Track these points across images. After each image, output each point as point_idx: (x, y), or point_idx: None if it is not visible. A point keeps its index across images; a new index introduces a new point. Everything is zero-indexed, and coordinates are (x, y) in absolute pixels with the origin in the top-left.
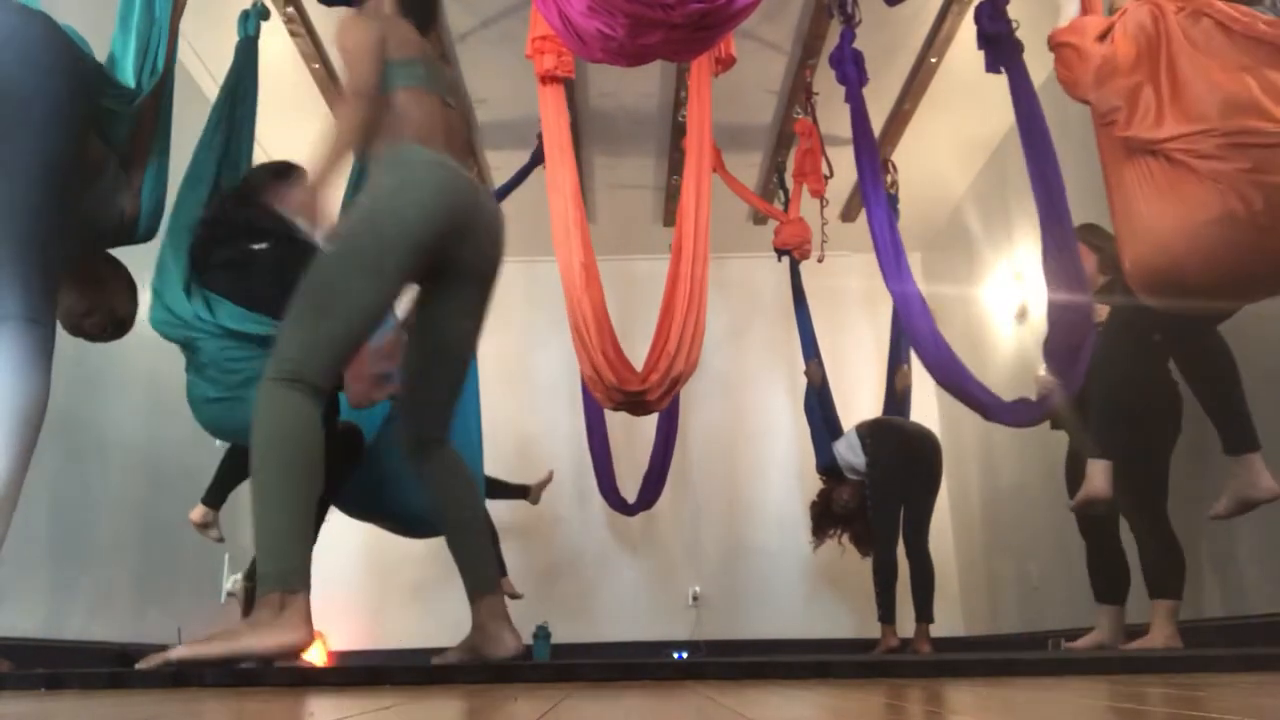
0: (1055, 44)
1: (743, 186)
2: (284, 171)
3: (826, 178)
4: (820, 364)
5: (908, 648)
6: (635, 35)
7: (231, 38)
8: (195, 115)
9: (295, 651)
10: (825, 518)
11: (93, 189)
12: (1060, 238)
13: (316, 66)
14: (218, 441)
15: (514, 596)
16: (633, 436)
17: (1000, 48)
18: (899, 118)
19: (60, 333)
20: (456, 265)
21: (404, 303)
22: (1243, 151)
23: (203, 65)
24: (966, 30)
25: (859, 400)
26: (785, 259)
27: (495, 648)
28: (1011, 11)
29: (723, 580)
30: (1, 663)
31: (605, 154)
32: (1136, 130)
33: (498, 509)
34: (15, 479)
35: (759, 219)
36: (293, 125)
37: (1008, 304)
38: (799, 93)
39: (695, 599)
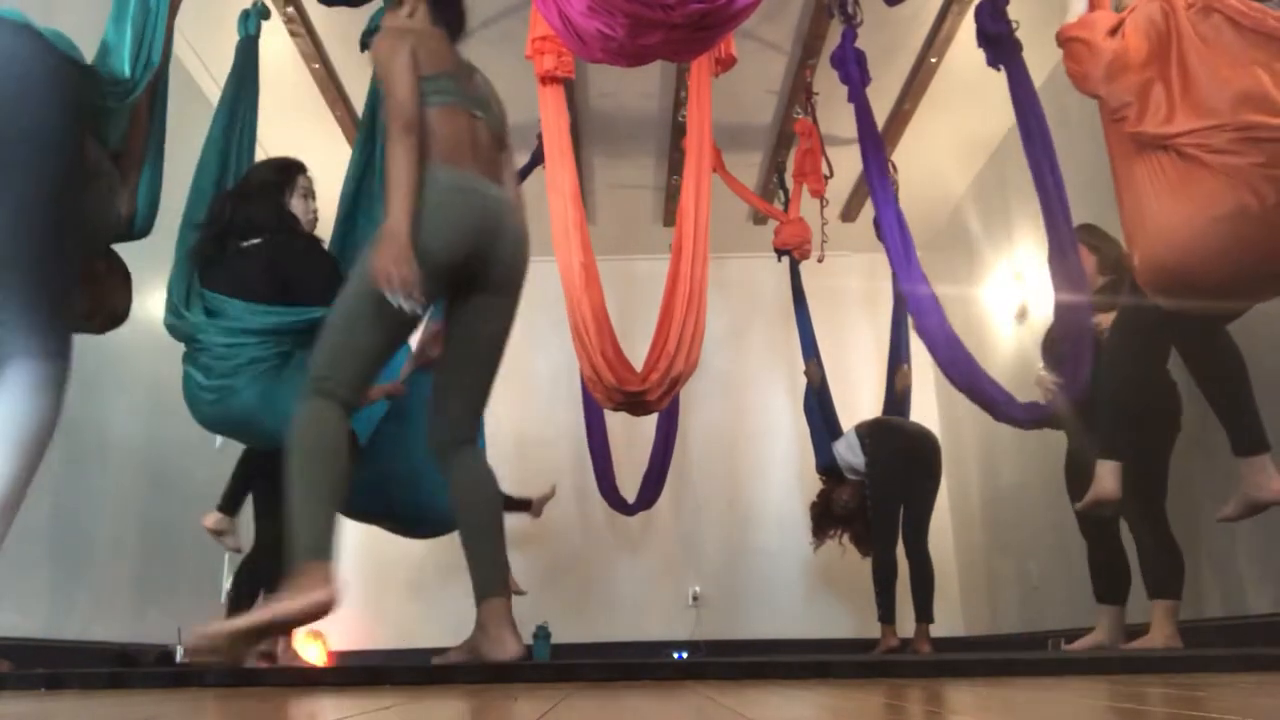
0: (1064, 39)
1: (743, 186)
2: (285, 168)
3: (826, 178)
4: (820, 364)
5: (908, 648)
6: (635, 35)
7: (232, 38)
8: (195, 115)
9: (323, 608)
10: (825, 518)
11: (89, 191)
12: (1060, 237)
13: (316, 66)
14: (218, 441)
15: (517, 593)
16: (632, 436)
17: (1000, 47)
18: (899, 118)
19: None
20: (482, 277)
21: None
22: (1257, 146)
23: (203, 65)
24: (966, 30)
25: (859, 400)
26: (785, 259)
27: (496, 650)
28: (1011, 12)
29: (723, 580)
30: (1, 663)
31: (605, 154)
32: (1148, 126)
33: None
34: (16, 498)
35: (759, 219)
36: (293, 125)
37: (1008, 304)
38: (799, 93)
39: (695, 599)
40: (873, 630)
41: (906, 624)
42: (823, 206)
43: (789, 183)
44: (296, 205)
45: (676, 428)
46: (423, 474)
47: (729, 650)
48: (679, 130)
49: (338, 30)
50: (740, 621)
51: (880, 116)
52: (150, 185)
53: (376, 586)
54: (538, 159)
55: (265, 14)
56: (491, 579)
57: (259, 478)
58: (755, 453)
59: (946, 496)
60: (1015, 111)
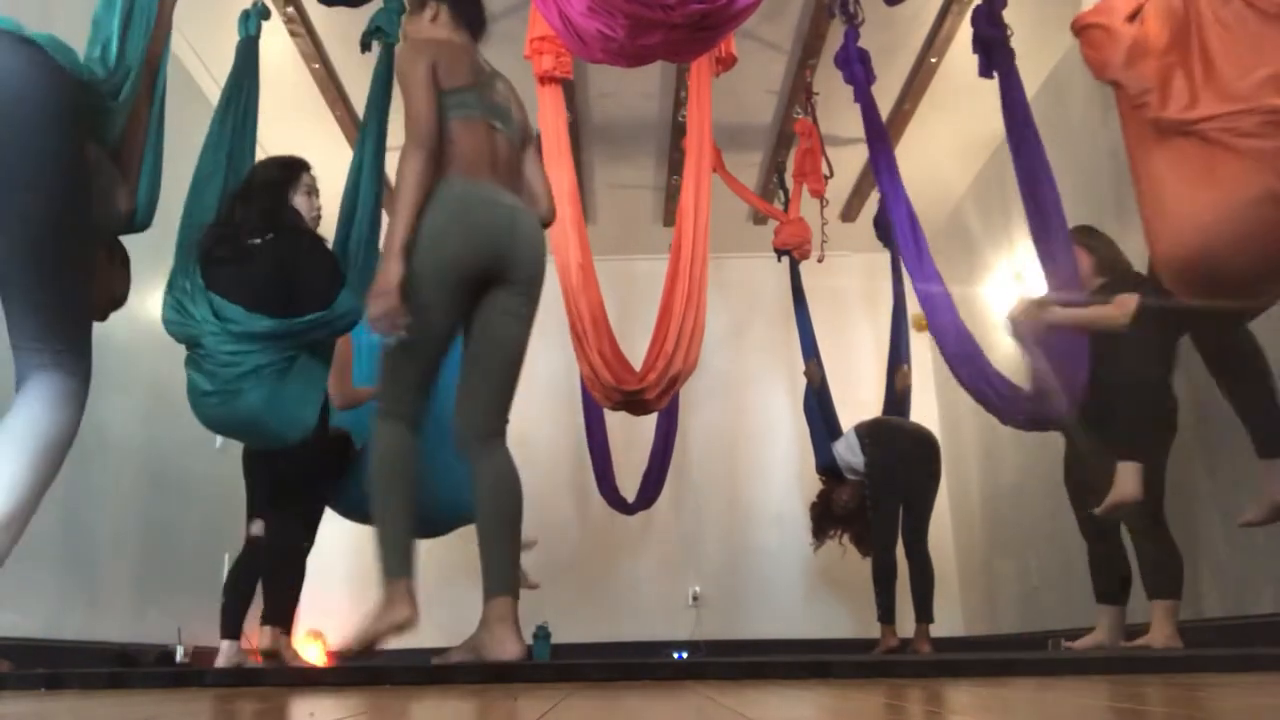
0: (1081, 25)
1: (743, 186)
2: (288, 166)
3: (826, 178)
4: (820, 364)
5: (908, 648)
6: (635, 36)
7: (232, 38)
8: (195, 115)
9: (400, 626)
10: (825, 518)
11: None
12: (1052, 243)
13: (316, 66)
14: (218, 441)
15: (531, 587)
16: (632, 436)
17: (994, 53)
18: (899, 118)
19: None
20: (501, 280)
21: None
22: None
23: (203, 65)
24: (966, 30)
25: (859, 400)
26: (785, 259)
27: (497, 650)
28: (1006, 17)
29: (723, 580)
30: (1, 663)
31: (605, 154)
32: (1170, 111)
33: None
34: (28, 508)
35: (759, 219)
36: (293, 125)
37: (1008, 304)
38: (799, 93)
39: (695, 599)
40: (873, 630)
41: (906, 624)
42: (823, 206)
43: (789, 183)
44: (300, 203)
45: (676, 427)
46: (422, 475)
47: (729, 650)
48: (679, 130)
49: (338, 30)
50: (740, 621)
51: (880, 117)
52: (150, 180)
53: (376, 587)
54: None
55: (265, 14)
56: (498, 578)
57: (254, 477)
58: (755, 453)
59: (946, 496)
60: (1005, 121)
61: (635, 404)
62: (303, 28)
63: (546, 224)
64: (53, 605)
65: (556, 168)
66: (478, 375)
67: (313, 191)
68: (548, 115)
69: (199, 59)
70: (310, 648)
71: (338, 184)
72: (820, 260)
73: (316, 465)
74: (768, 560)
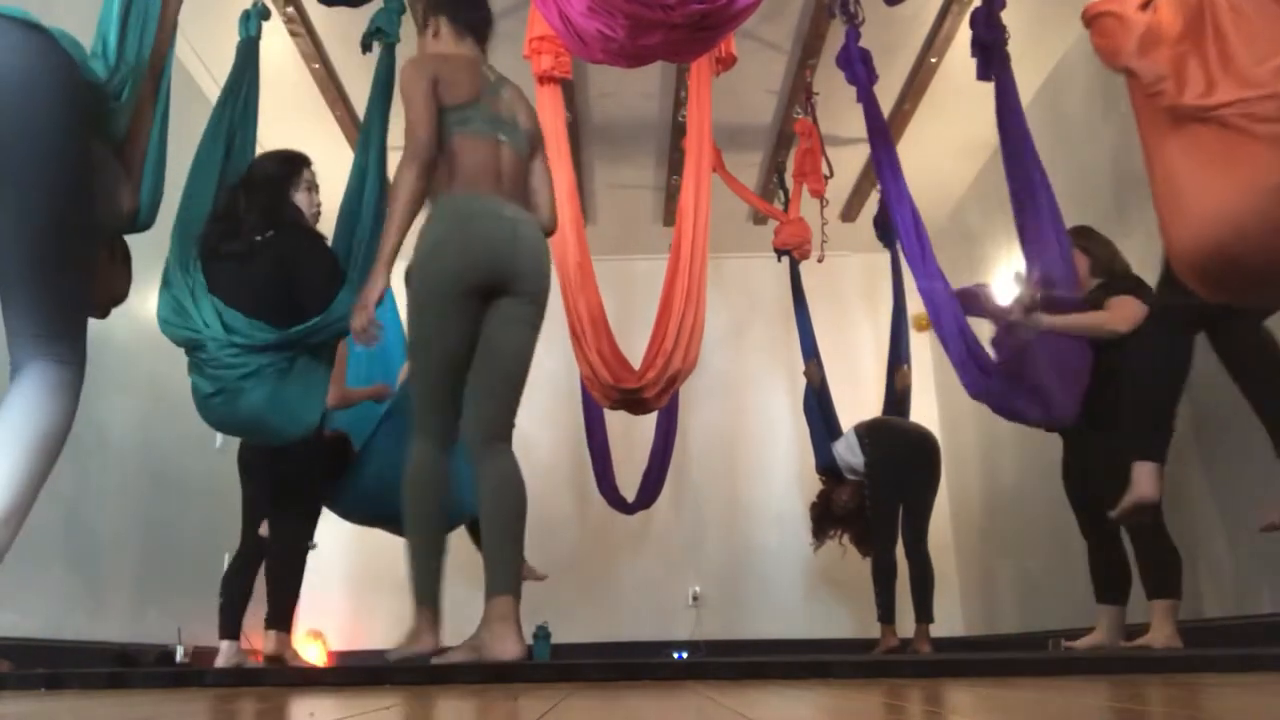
0: (1092, 14)
1: (743, 186)
2: (289, 161)
3: (826, 178)
4: (819, 364)
5: (908, 648)
6: (635, 36)
7: (232, 38)
8: (195, 115)
9: (421, 654)
10: (825, 519)
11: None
12: (1048, 246)
13: (316, 66)
14: (218, 441)
15: (537, 579)
16: (632, 436)
17: (991, 57)
18: (899, 118)
19: None
20: (504, 290)
21: None
22: None
23: (203, 65)
24: (966, 30)
25: (859, 400)
26: (785, 259)
27: (497, 649)
28: (1005, 17)
29: (723, 580)
30: (1, 663)
31: (605, 154)
32: (1188, 98)
33: None
34: (27, 497)
35: (759, 219)
36: (293, 125)
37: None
38: (799, 93)
39: (695, 599)
40: (873, 630)
41: (906, 624)
42: (823, 206)
43: (789, 183)
44: (301, 198)
45: (676, 427)
46: None
47: (729, 650)
48: (679, 130)
49: (338, 30)
50: (740, 621)
51: None
52: (153, 179)
53: (377, 587)
54: None
55: (266, 14)
56: (503, 577)
57: (254, 480)
58: (755, 453)
59: (946, 496)
60: (999, 126)
61: (634, 403)
62: (303, 28)
63: (548, 233)
64: (53, 605)
65: (555, 168)
66: (483, 381)
67: (313, 187)
68: (547, 115)
69: (199, 59)
70: (310, 648)
71: (338, 184)
72: (820, 260)
73: (316, 465)
74: (768, 560)
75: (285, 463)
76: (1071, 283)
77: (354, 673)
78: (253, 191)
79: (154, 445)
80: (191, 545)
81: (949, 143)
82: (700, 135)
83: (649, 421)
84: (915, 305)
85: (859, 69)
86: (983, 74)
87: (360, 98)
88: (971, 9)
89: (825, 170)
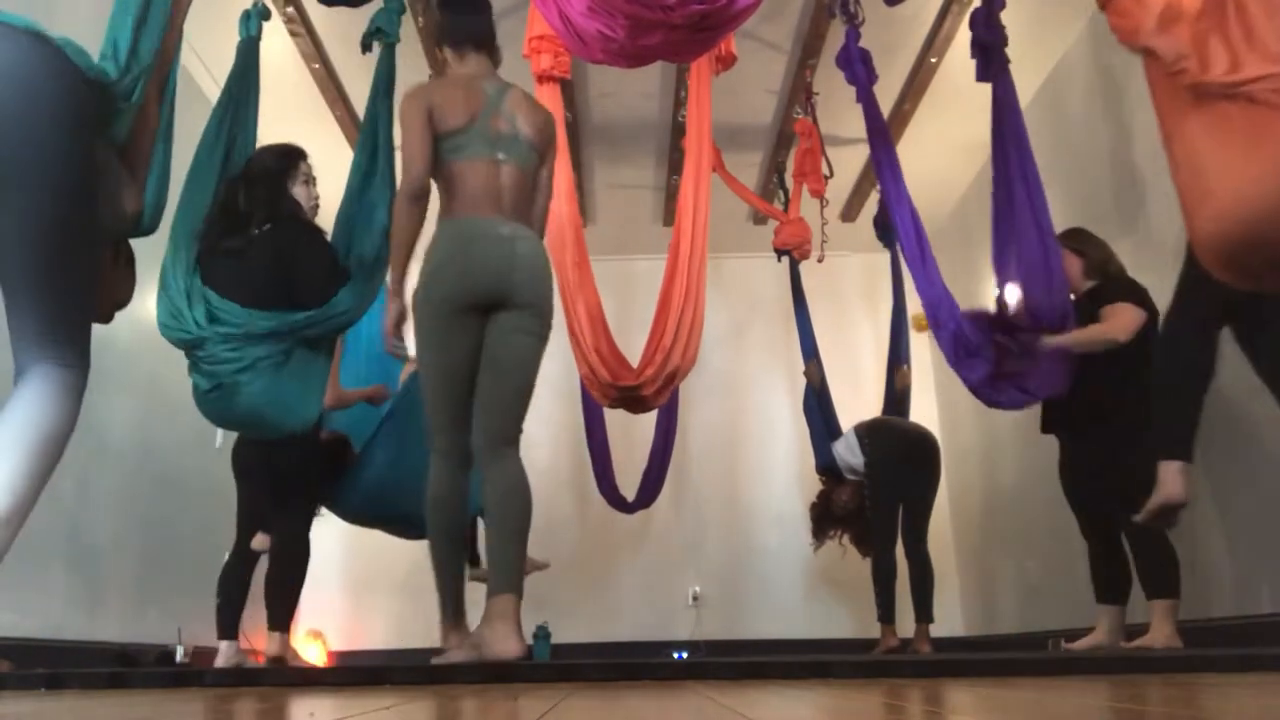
0: None
1: (743, 186)
2: (286, 155)
3: (826, 178)
4: (819, 364)
5: (908, 648)
6: (635, 36)
7: (232, 38)
8: (196, 115)
9: (458, 660)
10: (825, 519)
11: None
12: (1038, 251)
13: (316, 66)
14: (218, 441)
15: (540, 568)
16: (632, 435)
17: (990, 58)
18: (899, 118)
19: None
20: (504, 304)
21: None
22: None
23: (203, 65)
24: (966, 31)
25: (859, 400)
26: (785, 259)
27: (497, 646)
28: (1005, 17)
29: (723, 580)
30: (1, 663)
31: (605, 154)
32: (1213, 75)
33: None
34: (28, 499)
35: (759, 219)
36: (293, 125)
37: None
38: (799, 93)
39: (695, 599)
40: (873, 630)
41: (906, 624)
42: (823, 206)
43: (789, 183)
44: (299, 192)
45: (676, 426)
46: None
47: (729, 650)
48: (679, 130)
49: (338, 30)
50: (740, 621)
51: None
52: (158, 181)
53: (376, 587)
54: None
55: (266, 14)
56: (506, 576)
57: (252, 483)
58: (755, 452)
59: (946, 496)
60: (993, 127)
61: (633, 400)
62: (303, 28)
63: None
64: (53, 605)
65: (555, 167)
66: (487, 390)
67: (310, 180)
68: None
69: (199, 59)
70: (310, 648)
71: (338, 183)
72: (820, 260)
73: (313, 465)
74: (768, 560)
75: (282, 462)
76: (1059, 291)
77: (354, 673)
78: (251, 186)
79: (154, 446)
80: (191, 545)
81: (949, 143)
82: (700, 135)
83: (649, 421)
84: (915, 305)
85: (859, 69)
86: (983, 75)
87: (360, 98)
88: (971, 9)
89: (825, 170)
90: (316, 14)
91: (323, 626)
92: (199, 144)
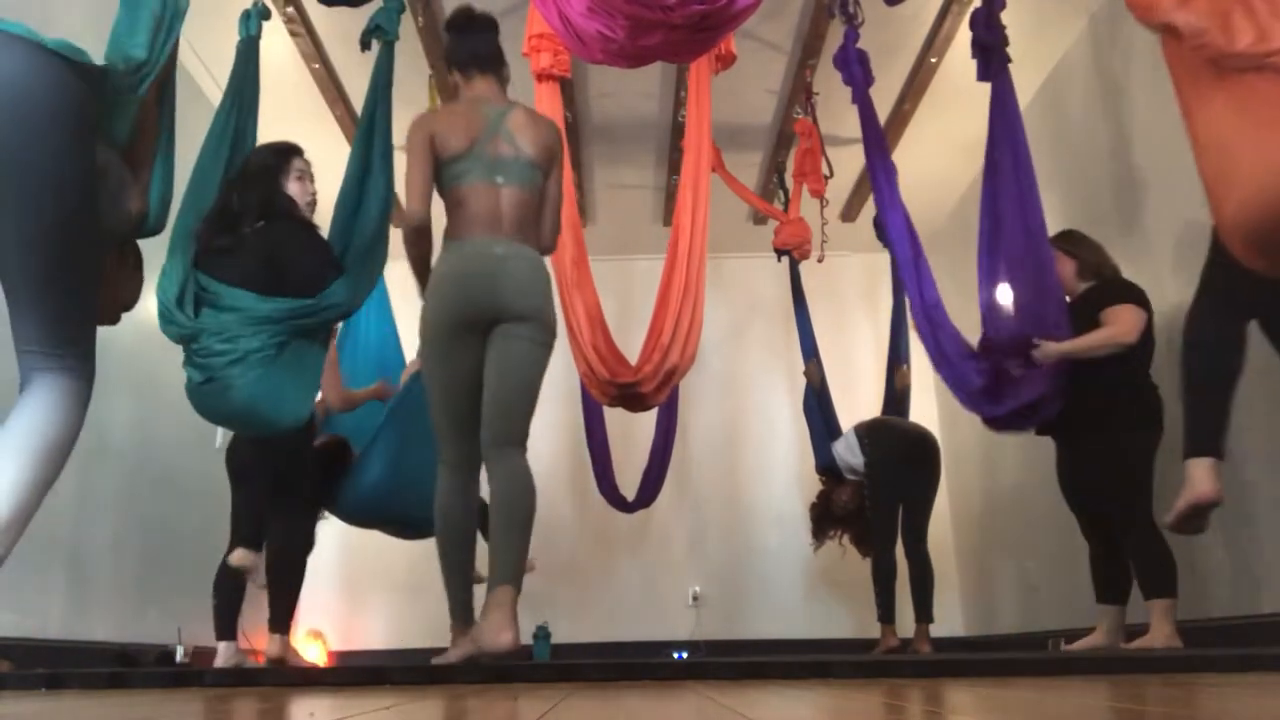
0: None
1: (742, 186)
2: (281, 152)
3: (826, 178)
4: (819, 364)
5: (908, 648)
6: (635, 37)
7: (232, 38)
8: (195, 115)
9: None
10: (825, 519)
11: (99, 196)
12: (1031, 253)
13: (316, 66)
14: (218, 440)
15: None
16: (632, 435)
17: (991, 57)
18: (899, 118)
19: None
20: (500, 318)
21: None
22: None
23: (203, 65)
24: (967, 31)
25: (859, 400)
26: (785, 259)
27: (492, 635)
28: (1005, 17)
29: (723, 580)
30: (1, 663)
31: (605, 154)
32: (1240, 46)
33: None
34: (30, 505)
35: (759, 219)
36: (293, 124)
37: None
38: (799, 93)
39: (695, 599)
40: (873, 630)
41: (906, 624)
42: (823, 206)
43: (789, 183)
44: (293, 188)
45: (676, 425)
46: (419, 476)
47: (729, 650)
48: (679, 130)
49: (338, 30)
50: (740, 621)
51: (880, 116)
52: (162, 182)
53: (376, 587)
54: None
55: (266, 14)
56: (506, 568)
57: (241, 481)
58: (755, 452)
59: (946, 496)
60: (989, 132)
61: (632, 398)
62: (303, 28)
63: (545, 252)
64: (53, 605)
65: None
66: (490, 395)
67: (305, 176)
68: (545, 113)
69: (199, 59)
70: (310, 648)
71: (337, 183)
72: (820, 260)
73: (310, 465)
74: (768, 560)
75: (279, 461)
76: (1052, 295)
77: (354, 673)
78: (246, 185)
79: (154, 446)
80: (191, 545)
81: (949, 143)
82: (700, 134)
83: (649, 420)
84: None
85: (855, 70)
86: (983, 75)
87: (360, 98)
88: (971, 9)
89: (825, 170)
90: (316, 14)
91: (322, 626)
92: (203, 145)
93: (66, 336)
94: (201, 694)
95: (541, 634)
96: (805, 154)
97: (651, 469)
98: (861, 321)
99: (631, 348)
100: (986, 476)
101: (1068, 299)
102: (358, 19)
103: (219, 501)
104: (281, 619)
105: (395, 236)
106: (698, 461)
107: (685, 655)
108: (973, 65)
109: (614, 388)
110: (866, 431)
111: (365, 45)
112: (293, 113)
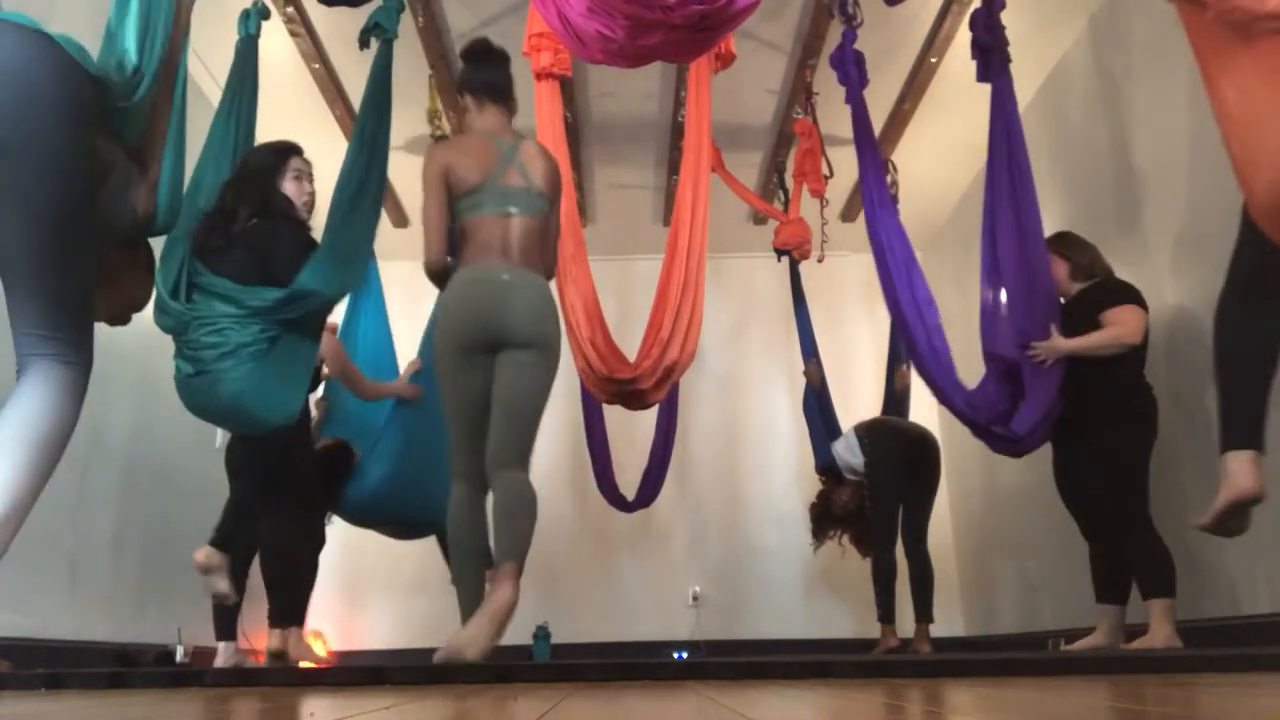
0: None
1: (742, 186)
2: (279, 151)
3: (826, 178)
4: (819, 364)
5: (908, 648)
6: (635, 37)
7: (232, 38)
8: (195, 115)
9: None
10: (825, 519)
11: (103, 190)
12: (1026, 256)
13: (316, 66)
14: (218, 440)
15: None
16: (632, 434)
17: (991, 57)
18: (899, 118)
19: None
20: (505, 343)
21: None
22: None
23: (203, 65)
24: (966, 31)
25: (859, 400)
26: (785, 259)
27: (493, 598)
28: (1005, 17)
29: (723, 580)
30: (1, 663)
31: (605, 154)
32: (1272, 5)
33: None
34: (26, 500)
35: (759, 219)
36: (293, 124)
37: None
38: (799, 93)
39: (695, 599)
40: (873, 630)
41: (906, 624)
42: (823, 206)
43: (789, 183)
44: (289, 187)
45: (676, 425)
46: (421, 477)
47: (729, 650)
48: (679, 130)
49: (338, 30)
50: (740, 621)
51: (880, 116)
52: (171, 181)
53: (376, 587)
54: None
55: (265, 14)
56: (508, 548)
57: (237, 478)
58: (755, 452)
59: (946, 496)
60: (990, 133)
61: (631, 395)
62: (303, 28)
63: (549, 276)
64: (53, 605)
65: None
66: (495, 419)
67: (303, 176)
68: (544, 112)
69: (199, 59)
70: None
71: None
72: (820, 260)
73: (305, 463)
74: (768, 560)
75: (268, 459)
76: (1043, 295)
77: (354, 673)
78: (243, 184)
79: (153, 445)
80: (191, 545)
81: (949, 143)
82: (699, 134)
83: (649, 420)
84: None
85: (851, 70)
86: (983, 76)
87: (360, 98)
88: (971, 10)
89: (825, 170)
90: (316, 14)
91: (322, 626)
92: (205, 145)
93: (64, 324)
94: (201, 694)
95: (541, 634)
96: (805, 154)
97: (651, 469)
98: (861, 321)
99: (631, 348)
100: (986, 476)
101: (1062, 300)
102: (357, 19)
103: (219, 501)
104: (281, 614)
105: (390, 236)
106: (698, 461)
107: (685, 655)
108: (972, 65)
109: (612, 384)
110: (866, 431)
111: (364, 43)
112: (292, 112)
